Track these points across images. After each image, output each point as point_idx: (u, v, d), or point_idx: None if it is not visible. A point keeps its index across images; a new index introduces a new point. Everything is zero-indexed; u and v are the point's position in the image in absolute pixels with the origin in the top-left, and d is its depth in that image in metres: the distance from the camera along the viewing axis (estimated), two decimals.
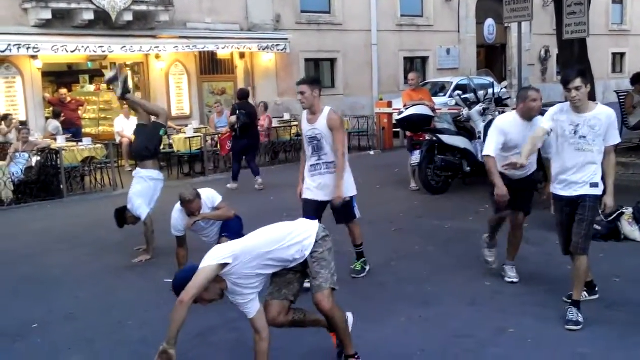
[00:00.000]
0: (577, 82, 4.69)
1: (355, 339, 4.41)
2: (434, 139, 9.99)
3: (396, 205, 9.64)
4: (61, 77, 18.13)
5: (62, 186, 11.34)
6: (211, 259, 3.81)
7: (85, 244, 8.15)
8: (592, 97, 13.11)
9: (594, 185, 4.89)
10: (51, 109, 15.01)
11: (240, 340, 4.25)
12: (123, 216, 7.35)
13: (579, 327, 4.76)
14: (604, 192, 4.98)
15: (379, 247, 7.34)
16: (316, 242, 4.12)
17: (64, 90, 15.72)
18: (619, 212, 7.15)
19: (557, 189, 5.05)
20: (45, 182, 11.32)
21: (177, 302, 3.69)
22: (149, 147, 7.38)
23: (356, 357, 4.34)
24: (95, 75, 18.80)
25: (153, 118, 7.66)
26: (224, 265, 3.79)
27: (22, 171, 11.00)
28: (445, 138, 9.93)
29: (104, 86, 18.53)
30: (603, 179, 4.98)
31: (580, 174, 4.88)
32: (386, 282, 6.17)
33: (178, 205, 5.91)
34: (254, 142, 11.88)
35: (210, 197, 6.04)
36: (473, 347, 4.58)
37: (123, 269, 6.99)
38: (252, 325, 4.03)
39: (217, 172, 13.58)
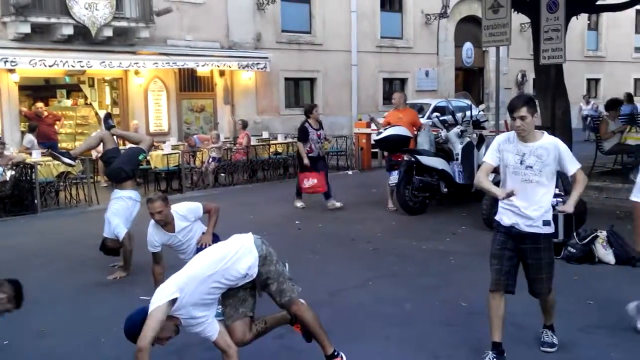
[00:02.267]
0: (523, 111, 4.41)
1: None
2: (412, 159, 10.06)
3: (373, 225, 9.66)
4: (38, 91, 17.98)
5: (36, 201, 11.20)
6: (159, 299, 3.82)
7: (60, 260, 8.05)
8: (567, 121, 13.31)
9: (547, 223, 4.57)
10: (27, 123, 14.89)
11: (215, 359, 4.23)
12: (106, 247, 7.33)
13: (554, 349, 4.80)
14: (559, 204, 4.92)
15: (356, 267, 7.35)
16: (264, 258, 4.14)
17: (40, 104, 15.60)
18: (593, 235, 7.24)
19: (502, 217, 4.66)
20: (19, 196, 11.17)
21: (136, 351, 3.69)
22: (124, 169, 7.39)
23: (336, 354, 4.36)
24: (72, 90, 18.70)
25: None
26: (173, 301, 3.80)
27: None
28: (423, 159, 10.01)
29: (81, 101, 18.46)
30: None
31: (532, 208, 4.53)
32: (363, 302, 6.17)
33: (153, 221, 5.86)
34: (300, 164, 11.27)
35: (191, 209, 5.94)
36: None
37: (98, 286, 6.91)
38: (218, 346, 4.08)
39: (195, 189, 13.51)
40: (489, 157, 4.73)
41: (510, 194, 4.45)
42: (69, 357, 5.01)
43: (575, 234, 7.35)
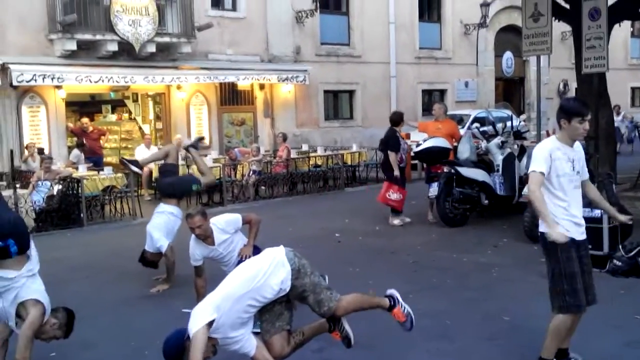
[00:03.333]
0: (590, 115, 4.41)
1: None
2: (452, 171, 9.99)
3: (413, 237, 9.61)
4: (84, 106, 18.44)
5: (82, 215, 11.45)
6: (197, 322, 3.85)
7: (104, 273, 8.21)
8: (611, 131, 13.06)
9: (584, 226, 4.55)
10: (74, 138, 15.27)
11: None
12: (145, 259, 7.49)
13: None
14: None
15: (396, 280, 7.30)
16: (297, 271, 4.12)
17: (85, 120, 15.97)
18: (639, 248, 7.08)
19: (572, 233, 4.38)
20: (66, 210, 11.44)
21: None
22: (175, 189, 7.68)
23: (393, 304, 4.50)
24: (117, 105, 19.12)
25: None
26: (211, 322, 3.83)
27: (43, 199, 11.13)
28: (463, 170, 9.93)
29: (125, 116, 18.84)
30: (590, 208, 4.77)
31: (581, 215, 4.51)
32: None
33: (194, 235, 5.94)
34: (388, 174, 10.68)
35: (230, 222, 5.97)
36: None
37: (141, 298, 7.02)
38: None
39: (236, 202, 13.63)
40: (542, 166, 4.32)
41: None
42: None
43: (620, 246, 7.20)
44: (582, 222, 4.47)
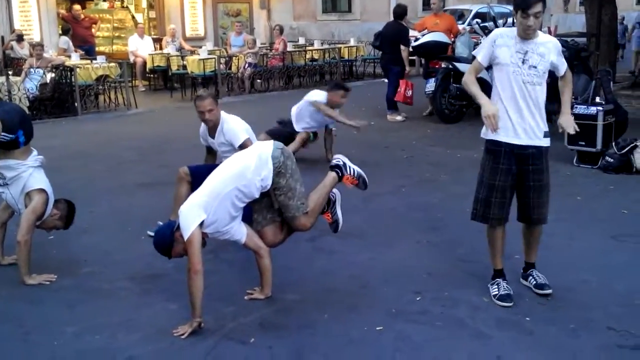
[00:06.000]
0: (539, 7, 3.87)
1: (364, 262, 4.50)
2: (450, 66, 9.87)
3: (409, 132, 9.63)
4: None
5: (76, 104, 11.38)
6: (189, 225, 3.82)
7: (100, 161, 8.26)
8: (613, 28, 12.78)
9: (547, 134, 4.08)
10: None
11: (250, 259, 4.36)
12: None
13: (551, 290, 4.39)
14: (558, 112, 4.12)
15: (390, 174, 7.40)
16: (278, 172, 4.04)
17: (77, 7, 15.53)
18: (632, 145, 7.14)
19: (509, 137, 4.01)
20: (59, 99, 11.36)
21: (191, 275, 3.77)
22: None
23: (339, 170, 4.38)
24: None
25: None
26: (202, 221, 3.86)
27: (36, 87, 11.02)
28: (461, 66, 9.80)
29: (117, 4, 18.33)
30: (552, 102, 4.35)
31: (533, 117, 4.00)
32: (396, 207, 6.25)
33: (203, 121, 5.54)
34: (387, 66, 10.87)
35: (235, 133, 5.32)
36: (478, 270, 4.67)
37: (137, 186, 7.10)
38: (248, 248, 4.17)
39: (232, 95, 13.53)
40: (480, 52, 4.13)
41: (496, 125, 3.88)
42: (112, 251, 5.23)
43: (613, 143, 7.25)
44: (531, 124, 4.01)
